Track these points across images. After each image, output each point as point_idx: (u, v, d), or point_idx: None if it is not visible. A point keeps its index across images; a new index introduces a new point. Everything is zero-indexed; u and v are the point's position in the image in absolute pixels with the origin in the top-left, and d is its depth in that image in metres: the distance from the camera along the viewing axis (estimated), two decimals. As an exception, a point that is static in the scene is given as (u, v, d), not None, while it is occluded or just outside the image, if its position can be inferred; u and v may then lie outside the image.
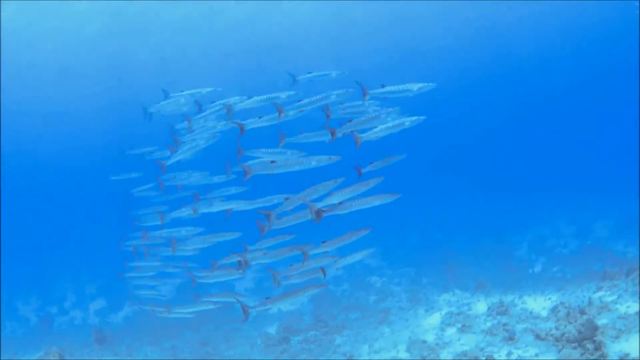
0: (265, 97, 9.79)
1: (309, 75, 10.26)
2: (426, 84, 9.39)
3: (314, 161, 8.77)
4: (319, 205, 8.59)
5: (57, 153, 51.98)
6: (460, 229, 30.11)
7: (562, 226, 27.68)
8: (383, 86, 9.42)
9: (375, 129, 9.09)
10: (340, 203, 8.56)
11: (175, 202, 12.96)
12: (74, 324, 24.96)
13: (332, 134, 8.93)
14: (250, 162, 9.31)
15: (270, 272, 9.57)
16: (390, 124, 9.12)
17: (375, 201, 8.58)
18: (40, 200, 49.02)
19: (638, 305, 12.62)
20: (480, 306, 16.10)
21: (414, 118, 9.19)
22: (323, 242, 9.09)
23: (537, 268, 21.78)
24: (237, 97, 10.27)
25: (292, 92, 9.71)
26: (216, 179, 11.88)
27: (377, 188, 8.75)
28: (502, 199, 35.55)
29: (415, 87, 9.37)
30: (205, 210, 11.26)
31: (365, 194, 8.71)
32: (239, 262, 9.93)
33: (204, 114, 11.01)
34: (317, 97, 9.45)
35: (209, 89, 11.79)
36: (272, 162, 8.92)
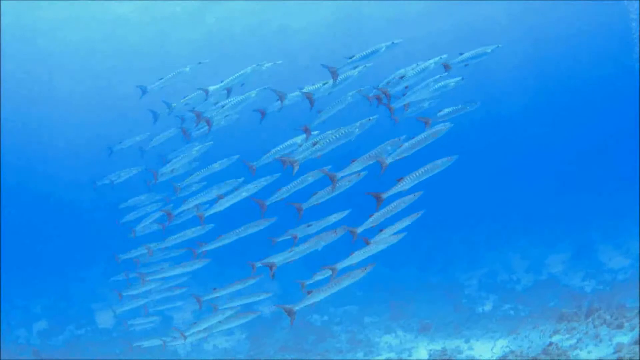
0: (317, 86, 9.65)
1: (361, 53, 9.65)
2: (497, 45, 9.85)
3: (357, 128, 8.54)
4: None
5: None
6: (406, 264, 28.74)
7: (514, 261, 26.72)
8: (461, 54, 9.73)
9: (421, 91, 9.46)
10: (400, 179, 8.22)
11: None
12: (18, 342, 23.44)
13: (386, 94, 9.10)
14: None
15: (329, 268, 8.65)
16: (436, 86, 9.42)
17: (435, 168, 8.28)
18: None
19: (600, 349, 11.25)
20: (422, 352, 15.04)
21: (457, 79, 9.53)
22: (370, 215, 8.44)
23: (488, 306, 20.52)
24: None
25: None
26: (218, 165, 10.92)
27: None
28: (451, 232, 34.36)
29: (489, 48, 9.81)
30: (215, 209, 10.33)
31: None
32: (270, 266, 9.02)
33: (222, 84, 10.78)
34: (368, 51, 9.45)
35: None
36: (314, 143, 8.63)
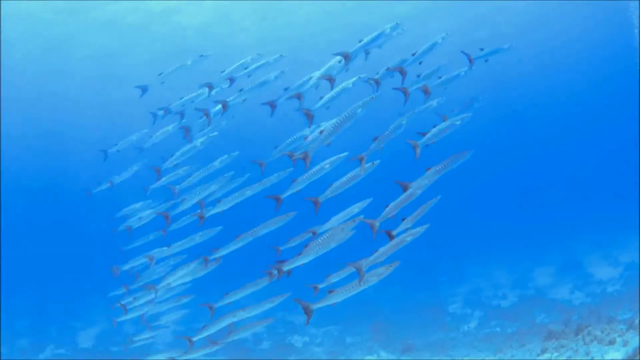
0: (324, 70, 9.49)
1: (368, 37, 9.42)
2: (511, 44, 10.66)
3: (359, 108, 8.22)
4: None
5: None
6: (389, 282, 28.01)
7: (500, 276, 26.45)
8: (482, 49, 10.32)
9: (440, 80, 9.94)
10: (427, 169, 8.10)
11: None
12: (-1, 359, 23.86)
13: (401, 72, 9.20)
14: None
15: (354, 266, 7.91)
16: (451, 75, 9.98)
17: (455, 161, 8.07)
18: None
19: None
20: (404, 376, 14.22)
21: (465, 68, 10.08)
22: (403, 219, 8.06)
23: (473, 324, 20.20)
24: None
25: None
26: (218, 163, 10.45)
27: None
28: (435, 249, 33.97)
29: (505, 46, 10.51)
30: (218, 209, 9.79)
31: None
32: (279, 270, 8.29)
33: (224, 73, 10.59)
34: (374, 34, 9.36)
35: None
36: (321, 132, 8.34)
